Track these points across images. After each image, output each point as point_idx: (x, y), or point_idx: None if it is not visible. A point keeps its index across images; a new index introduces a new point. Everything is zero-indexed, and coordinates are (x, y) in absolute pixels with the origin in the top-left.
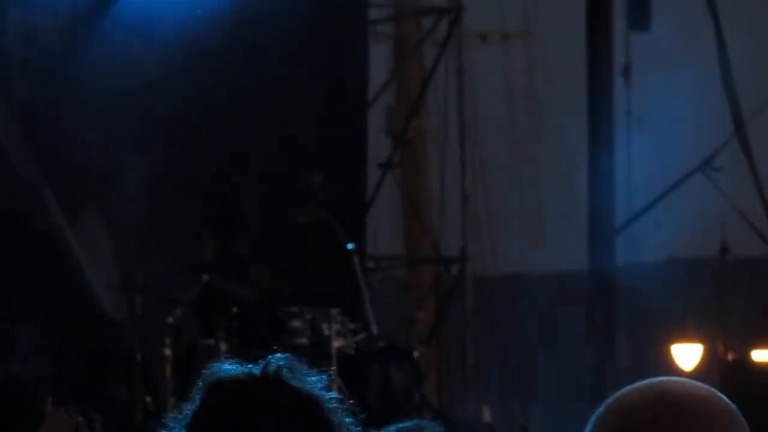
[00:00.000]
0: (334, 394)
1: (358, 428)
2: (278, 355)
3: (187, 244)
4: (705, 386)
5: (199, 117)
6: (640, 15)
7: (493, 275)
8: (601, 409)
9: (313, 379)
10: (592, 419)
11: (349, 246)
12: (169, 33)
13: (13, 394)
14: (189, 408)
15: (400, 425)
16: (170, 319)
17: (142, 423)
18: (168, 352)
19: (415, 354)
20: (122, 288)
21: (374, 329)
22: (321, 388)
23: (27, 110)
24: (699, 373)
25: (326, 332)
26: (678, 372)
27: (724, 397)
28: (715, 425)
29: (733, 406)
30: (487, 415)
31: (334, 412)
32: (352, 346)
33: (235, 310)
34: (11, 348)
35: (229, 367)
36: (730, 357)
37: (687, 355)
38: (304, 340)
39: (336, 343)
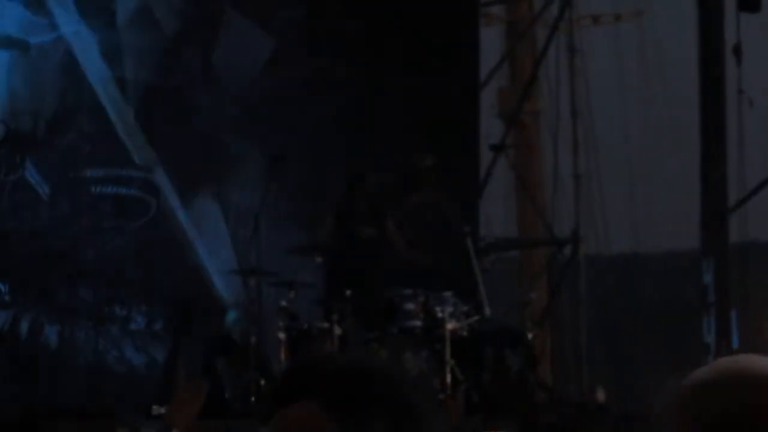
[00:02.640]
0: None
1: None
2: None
3: (301, 227)
4: None
5: (317, 98)
6: None
7: (606, 255)
8: (677, 385)
9: None
10: (666, 395)
11: (464, 228)
12: (284, 14)
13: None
14: None
15: None
16: (284, 302)
17: (258, 405)
18: (282, 335)
19: (529, 336)
20: (236, 271)
21: (487, 311)
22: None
23: (141, 94)
24: None
25: (439, 314)
26: None
27: None
28: None
29: None
30: (601, 396)
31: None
32: (466, 328)
33: (349, 292)
34: (127, 333)
35: None
36: None
37: None
38: (417, 323)
39: (449, 326)
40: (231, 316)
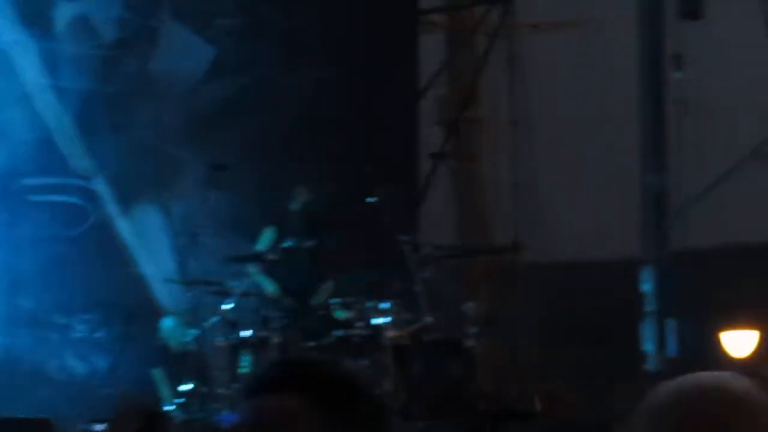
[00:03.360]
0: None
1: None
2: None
3: (241, 236)
4: (743, 378)
5: (251, 109)
6: (692, 3)
7: (547, 263)
8: (642, 405)
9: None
10: (633, 415)
11: (403, 236)
12: (222, 23)
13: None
14: None
15: None
16: (223, 311)
17: (199, 412)
18: (222, 343)
19: (469, 344)
20: (176, 280)
21: (428, 319)
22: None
23: (79, 103)
24: (755, 361)
25: (380, 323)
26: (730, 359)
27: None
28: (759, 418)
29: None
30: (538, 404)
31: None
32: (406, 336)
33: (287, 301)
34: (67, 341)
35: None
36: None
37: (741, 342)
38: (357, 331)
39: (390, 334)
40: (167, 323)
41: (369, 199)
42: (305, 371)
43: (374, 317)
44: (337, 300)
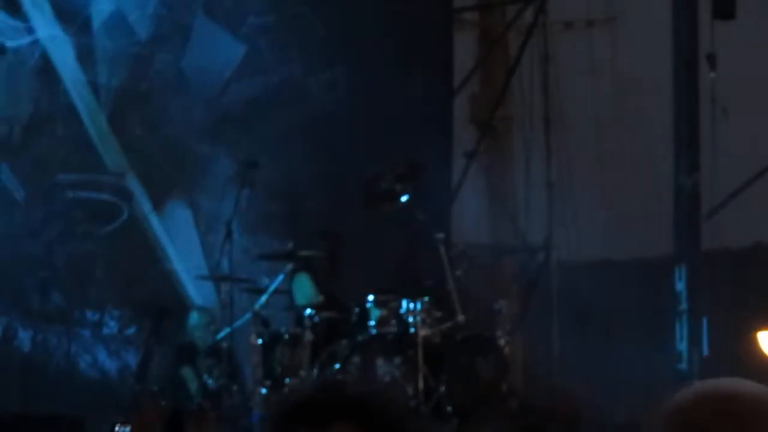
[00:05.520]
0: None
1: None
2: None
3: (272, 233)
4: (760, 385)
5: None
6: (724, 3)
7: (578, 262)
8: (662, 408)
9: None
10: (654, 417)
11: (437, 234)
12: (254, 21)
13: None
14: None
15: None
16: (256, 308)
17: (231, 410)
18: (256, 340)
19: (501, 342)
20: (208, 276)
21: (460, 318)
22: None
23: (114, 99)
24: None
25: (412, 321)
26: (764, 359)
27: None
28: None
29: None
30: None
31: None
32: (438, 334)
33: (321, 298)
34: (98, 338)
35: None
36: None
37: None
38: (389, 329)
39: (422, 332)
40: (193, 318)
41: (403, 197)
42: (353, 401)
43: (407, 315)
44: (371, 297)
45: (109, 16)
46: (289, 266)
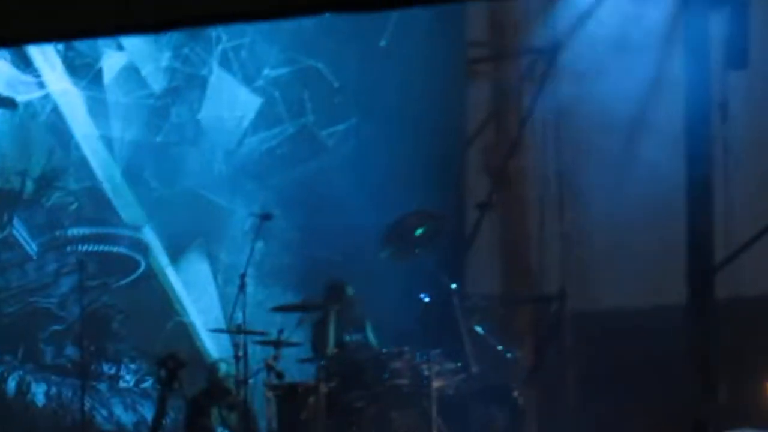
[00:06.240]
0: None
1: None
2: None
3: (287, 285)
4: None
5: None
6: (737, 52)
7: (593, 312)
8: None
9: None
10: None
11: (450, 285)
12: (269, 73)
13: None
14: None
15: None
16: (271, 360)
17: None
18: (269, 393)
19: (515, 393)
20: (223, 330)
21: (474, 369)
22: None
23: (128, 152)
24: None
25: (426, 373)
26: None
27: None
28: None
29: None
30: None
31: None
32: (452, 386)
33: (336, 350)
34: (115, 391)
35: None
36: None
37: None
38: (404, 381)
39: (436, 384)
40: (222, 368)
41: (423, 248)
42: None
43: (421, 367)
44: (386, 349)
45: (120, 69)
46: (303, 318)
